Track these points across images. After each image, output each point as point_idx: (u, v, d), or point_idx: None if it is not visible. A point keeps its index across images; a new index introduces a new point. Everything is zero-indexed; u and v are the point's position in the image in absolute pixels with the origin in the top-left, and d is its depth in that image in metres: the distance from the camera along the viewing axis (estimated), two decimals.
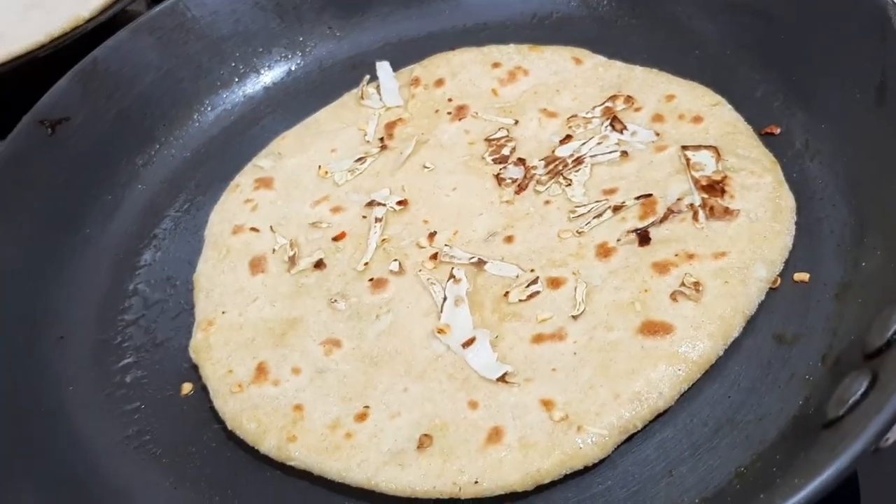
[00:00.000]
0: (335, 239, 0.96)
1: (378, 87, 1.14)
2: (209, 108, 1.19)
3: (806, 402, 0.71)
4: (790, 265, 0.82)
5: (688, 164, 0.90)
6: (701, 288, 0.78)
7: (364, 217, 0.97)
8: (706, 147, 0.91)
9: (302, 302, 0.90)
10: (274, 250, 0.96)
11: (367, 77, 1.16)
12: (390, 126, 1.08)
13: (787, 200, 0.86)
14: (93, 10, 1.38)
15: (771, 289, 0.81)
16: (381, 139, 1.07)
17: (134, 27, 1.16)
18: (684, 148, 0.92)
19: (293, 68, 1.23)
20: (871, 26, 0.86)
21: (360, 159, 1.04)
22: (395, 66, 1.17)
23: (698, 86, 1.00)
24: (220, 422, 0.83)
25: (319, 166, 1.05)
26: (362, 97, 1.13)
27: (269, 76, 1.22)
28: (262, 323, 0.89)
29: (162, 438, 0.85)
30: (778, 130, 0.94)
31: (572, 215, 0.90)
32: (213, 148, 1.15)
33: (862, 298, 0.76)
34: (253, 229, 0.99)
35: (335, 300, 0.89)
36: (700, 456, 0.72)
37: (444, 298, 0.85)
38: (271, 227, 0.99)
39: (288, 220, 1.00)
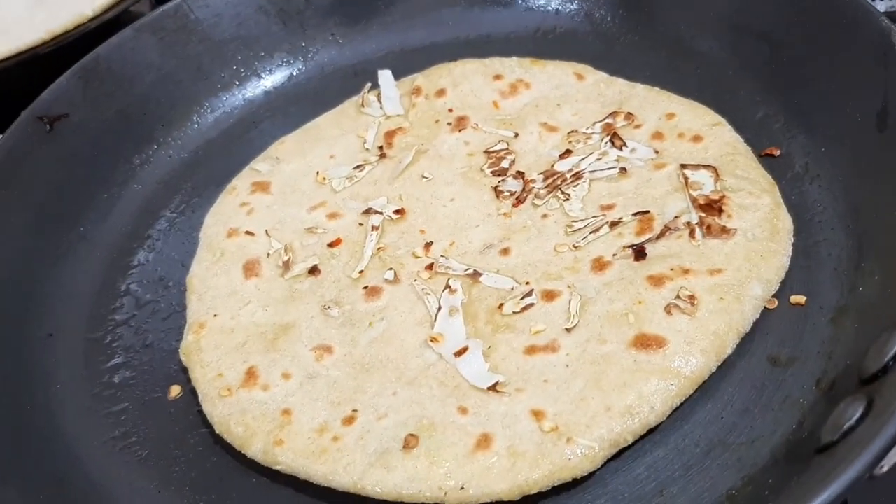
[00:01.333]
0: (331, 245, 0.95)
1: (379, 96, 1.14)
2: (209, 111, 1.18)
3: (799, 426, 0.71)
4: (787, 287, 0.82)
5: (686, 182, 0.90)
6: (696, 302, 0.78)
7: (360, 224, 0.97)
8: (705, 166, 0.91)
9: (295, 307, 0.90)
10: (268, 254, 0.96)
11: (369, 85, 1.15)
12: (390, 135, 1.08)
13: (785, 221, 0.86)
14: (97, 8, 1.37)
15: (767, 310, 0.81)
16: (381, 147, 1.06)
17: (137, 27, 1.15)
18: (683, 166, 0.92)
19: (294, 73, 1.23)
20: (873, 51, 0.86)
21: (358, 167, 1.04)
22: (397, 76, 1.17)
23: (699, 105, 1.00)
24: (208, 426, 0.83)
25: (317, 172, 1.04)
26: (363, 105, 1.13)
27: (270, 80, 1.22)
28: (254, 327, 0.89)
29: (148, 441, 0.84)
30: (778, 152, 0.94)
31: (569, 229, 0.89)
32: (211, 150, 1.15)
33: (858, 323, 0.76)
34: (248, 233, 0.99)
35: (328, 307, 0.88)
36: (691, 477, 0.71)
37: (439, 308, 0.85)
38: (266, 231, 0.98)
39: (283, 225, 0.99)
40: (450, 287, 0.86)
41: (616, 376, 0.75)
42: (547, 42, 1.19)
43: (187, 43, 1.18)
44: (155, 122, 1.15)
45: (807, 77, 0.95)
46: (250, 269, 0.95)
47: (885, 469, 0.58)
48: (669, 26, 1.11)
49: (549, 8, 1.22)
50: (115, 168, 1.10)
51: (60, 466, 0.82)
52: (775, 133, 0.96)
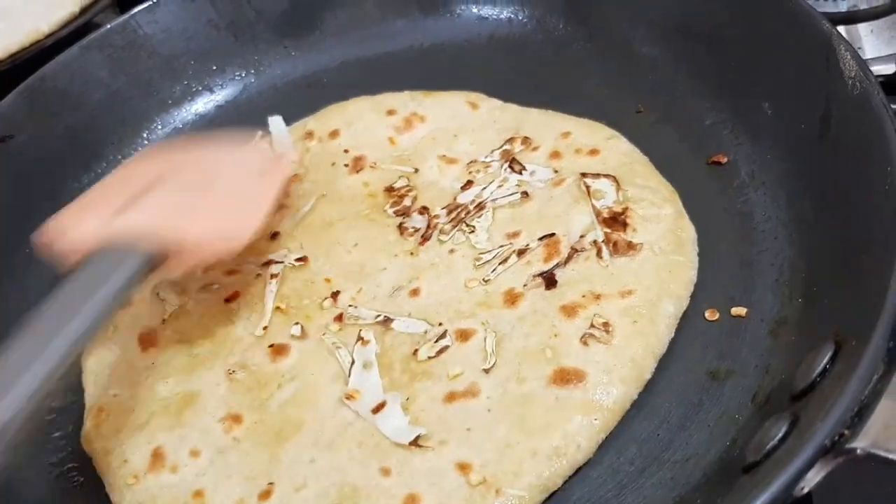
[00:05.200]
0: (228, 300, 0.90)
1: (271, 143, 1.09)
2: (160, 127, 1.17)
3: (733, 444, 0.69)
4: (728, 299, 0.81)
5: (588, 192, 0.89)
6: (610, 329, 0.77)
7: (259, 275, 0.92)
8: (605, 175, 0.91)
9: (197, 375, 0.84)
10: (164, 321, 0.91)
11: (259, 133, 1.10)
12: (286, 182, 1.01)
13: (688, 231, 0.85)
14: (52, 24, 1.37)
15: (708, 322, 0.79)
16: None
17: (84, 44, 1.14)
18: (583, 175, 0.91)
19: (247, 87, 1.22)
20: (816, 55, 0.85)
21: None
22: (351, 89, 1.14)
23: (593, 122, 0.99)
24: None
25: None
26: None
27: (222, 95, 1.21)
28: (157, 402, 0.83)
29: (86, 467, 0.82)
30: (725, 159, 0.93)
31: (477, 263, 0.87)
32: None
33: (795, 336, 0.74)
34: (142, 301, 0.93)
35: (233, 370, 0.83)
36: (624, 497, 0.70)
37: (352, 362, 0.81)
38: (158, 293, 0.93)
39: (178, 288, 0.93)
40: (362, 338, 0.83)
41: (539, 416, 0.72)
42: (500, 50, 1.18)
43: (136, 59, 1.17)
44: (104, 140, 1.14)
45: (753, 83, 0.94)
46: (146, 339, 0.89)
47: (805, 490, 0.57)
48: (620, 33, 1.10)
49: (502, 16, 1.21)
50: (63, 187, 1.09)
51: None
52: (724, 140, 0.95)
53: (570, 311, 0.79)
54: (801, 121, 0.86)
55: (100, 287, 0.70)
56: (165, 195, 0.80)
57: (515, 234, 0.89)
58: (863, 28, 1.21)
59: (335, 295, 0.88)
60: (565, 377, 0.74)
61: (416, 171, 1.00)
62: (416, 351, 0.80)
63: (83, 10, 1.40)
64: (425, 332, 0.82)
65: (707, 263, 0.84)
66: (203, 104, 1.20)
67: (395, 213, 0.96)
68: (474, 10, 1.22)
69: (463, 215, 0.92)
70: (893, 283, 0.62)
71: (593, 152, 0.95)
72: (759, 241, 0.84)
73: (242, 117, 1.18)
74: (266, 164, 0.91)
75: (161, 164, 0.86)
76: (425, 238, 0.91)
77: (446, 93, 1.09)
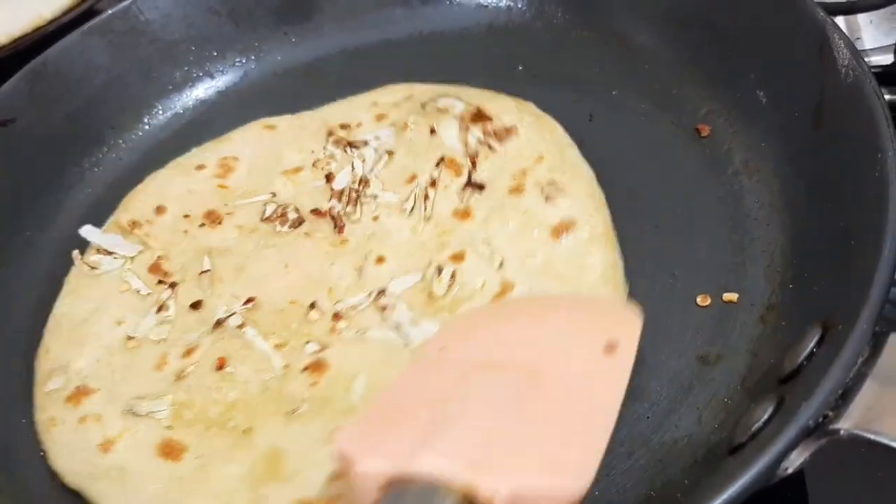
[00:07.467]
0: (219, 368, 0.81)
1: (101, 250, 0.98)
2: (160, 112, 1.18)
3: (721, 426, 0.70)
4: (721, 284, 0.81)
5: (437, 111, 1.02)
6: (556, 182, 0.89)
7: (222, 339, 0.84)
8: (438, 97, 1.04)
9: (255, 442, 0.75)
10: (170, 426, 0.79)
11: (77, 251, 1.00)
12: (154, 268, 0.94)
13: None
14: (55, 10, 1.37)
15: (700, 307, 0.80)
16: (160, 282, 0.92)
17: (85, 30, 1.15)
18: (423, 105, 1.04)
19: (248, 73, 1.22)
20: (810, 44, 0.85)
21: (159, 309, 0.89)
22: (350, 75, 1.16)
23: (386, 87, 1.10)
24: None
25: (128, 337, 0.87)
26: (93, 268, 0.96)
27: (223, 81, 1.21)
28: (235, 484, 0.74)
29: None
30: (707, 130, 0.95)
31: (405, 213, 0.91)
32: (163, 152, 1.13)
33: (785, 321, 0.75)
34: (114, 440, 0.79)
35: (294, 409, 0.77)
36: (613, 478, 0.70)
37: (397, 326, 0.81)
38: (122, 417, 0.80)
39: (142, 400, 0.81)
40: (382, 309, 0.83)
41: (569, 264, 0.83)
42: (499, 38, 1.18)
43: (137, 45, 1.17)
44: (105, 125, 1.14)
45: (748, 72, 0.94)
46: (167, 450, 0.77)
47: (789, 471, 0.58)
48: (618, 21, 1.10)
49: (501, 5, 1.21)
50: (64, 172, 1.10)
51: None
52: (719, 128, 0.95)
53: (516, 191, 0.89)
54: (795, 109, 0.86)
55: None
56: (473, 415, 0.60)
57: (413, 178, 0.95)
58: (862, 19, 1.21)
59: (312, 306, 0.85)
60: (562, 228, 0.85)
61: (273, 194, 0.98)
62: (430, 293, 0.82)
63: None
64: (423, 277, 0.84)
65: (700, 249, 0.85)
66: (204, 90, 1.20)
67: (290, 227, 0.93)
68: None
69: (354, 196, 0.95)
70: (880, 269, 0.63)
71: (408, 98, 1.05)
72: (751, 228, 0.85)
73: (243, 103, 1.19)
74: (609, 328, 0.69)
75: (463, 364, 0.67)
76: (340, 228, 0.92)
77: (234, 131, 1.10)
